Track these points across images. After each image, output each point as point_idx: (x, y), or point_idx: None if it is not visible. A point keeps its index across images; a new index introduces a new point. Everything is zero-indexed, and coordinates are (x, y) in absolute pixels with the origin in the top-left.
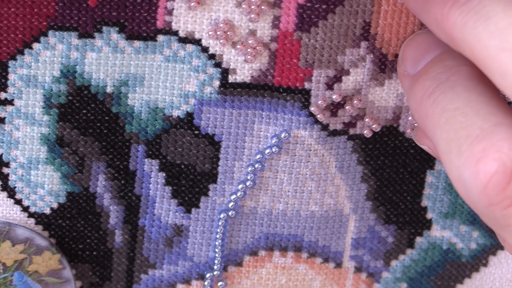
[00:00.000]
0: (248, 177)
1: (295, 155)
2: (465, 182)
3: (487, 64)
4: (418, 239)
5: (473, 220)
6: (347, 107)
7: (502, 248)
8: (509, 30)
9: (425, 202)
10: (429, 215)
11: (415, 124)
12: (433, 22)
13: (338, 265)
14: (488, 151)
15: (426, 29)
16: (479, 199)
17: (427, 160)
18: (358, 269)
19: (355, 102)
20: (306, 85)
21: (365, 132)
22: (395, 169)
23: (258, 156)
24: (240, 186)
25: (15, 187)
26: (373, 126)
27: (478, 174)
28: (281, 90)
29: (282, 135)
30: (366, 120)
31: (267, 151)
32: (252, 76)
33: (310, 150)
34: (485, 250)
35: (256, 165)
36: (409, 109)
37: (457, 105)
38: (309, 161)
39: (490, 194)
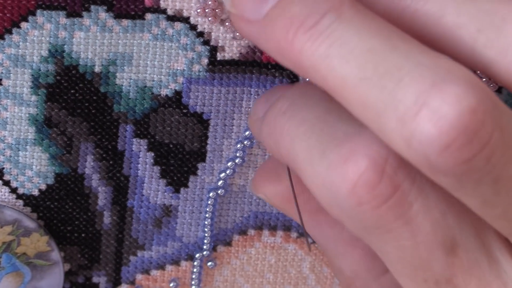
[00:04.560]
0: (237, 154)
1: None
2: (332, 186)
3: (344, 95)
4: None
5: None
6: None
7: None
8: (367, 56)
9: None
10: None
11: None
12: (275, 51)
13: None
14: (357, 149)
15: None
16: (347, 201)
17: None
18: None
19: None
20: None
21: None
22: None
23: (247, 133)
24: (229, 164)
25: (3, 168)
26: None
27: (347, 172)
28: (270, 67)
29: None
30: None
31: None
32: (240, 53)
33: None
34: None
35: (245, 142)
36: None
37: (316, 114)
38: None
39: (360, 193)
